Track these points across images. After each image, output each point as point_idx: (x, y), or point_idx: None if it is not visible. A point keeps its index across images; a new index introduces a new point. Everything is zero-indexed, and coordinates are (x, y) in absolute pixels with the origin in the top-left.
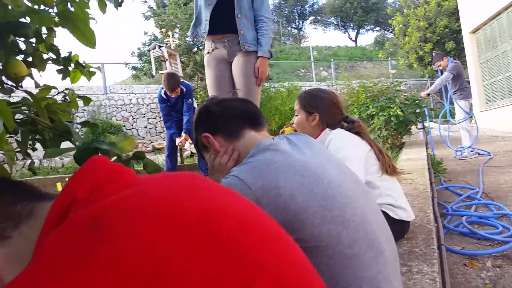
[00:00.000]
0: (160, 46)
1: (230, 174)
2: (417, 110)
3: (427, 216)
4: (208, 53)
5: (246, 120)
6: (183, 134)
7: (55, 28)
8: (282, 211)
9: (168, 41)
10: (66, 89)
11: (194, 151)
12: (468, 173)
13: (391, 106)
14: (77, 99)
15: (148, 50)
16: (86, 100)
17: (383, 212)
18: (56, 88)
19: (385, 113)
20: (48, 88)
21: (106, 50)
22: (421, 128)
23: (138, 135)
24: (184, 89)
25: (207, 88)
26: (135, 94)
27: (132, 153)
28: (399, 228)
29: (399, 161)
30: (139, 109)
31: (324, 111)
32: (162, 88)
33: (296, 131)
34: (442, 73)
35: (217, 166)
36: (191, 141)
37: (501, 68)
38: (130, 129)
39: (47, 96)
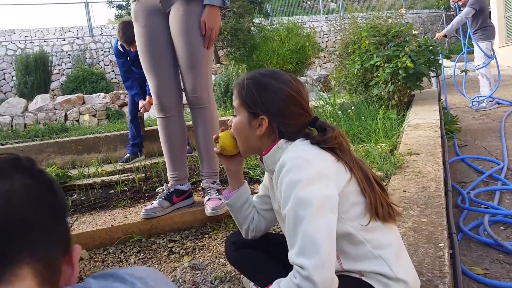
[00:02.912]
0: None
1: None
2: (431, 58)
3: (439, 256)
4: (134, 0)
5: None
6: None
7: None
8: None
9: None
10: None
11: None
12: (488, 133)
13: (399, 55)
14: None
15: None
16: None
17: (368, 285)
18: None
19: (391, 64)
20: None
21: None
22: (434, 77)
23: None
24: None
25: None
26: None
27: None
28: None
29: (406, 131)
30: None
31: (278, 112)
32: (117, 40)
33: (235, 139)
34: (459, 11)
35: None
36: None
37: None
38: (118, 75)
39: None
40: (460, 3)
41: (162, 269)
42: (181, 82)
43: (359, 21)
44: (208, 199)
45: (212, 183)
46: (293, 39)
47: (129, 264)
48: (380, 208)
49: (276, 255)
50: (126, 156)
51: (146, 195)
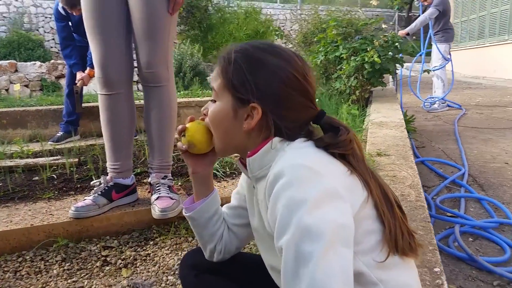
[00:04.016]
0: None
1: None
2: (395, 55)
3: (437, 286)
4: None
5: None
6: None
7: None
8: None
9: None
10: None
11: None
12: (443, 136)
13: (367, 48)
14: None
15: None
16: None
17: None
18: None
19: (358, 57)
20: None
21: None
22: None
23: None
24: None
25: None
26: None
27: None
28: None
29: (371, 129)
30: None
31: (277, 99)
32: (58, 2)
33: (209, 130)
34: (424, 11)
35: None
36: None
37: (476, 5)
38: (59, 44)
39: None
40: (426, 3)
41: (92, 287)
42: (135, 54)
43: (319, 13)
44: (157, 198)
45: (162, 179)
46: (251, 23)
47: (50, 276)
48: (400, 238)
49: (249, 282)
50: (58, 134)
51: (78, 186)
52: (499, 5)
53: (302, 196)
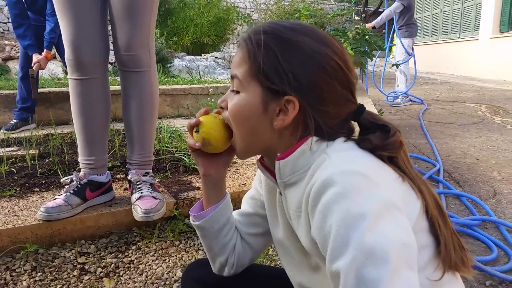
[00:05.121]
0: None
1: None
2: (366, 49)
3: None
4: None
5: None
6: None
7: None
8: None
9: None
10: None
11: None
12: (411, 130)
13: (340, 40)
14: None
15: None
16: None
17: None
18: None
19: None
20: None
21: None
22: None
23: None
24: None
25: None
26: None
27: None
28: None
29: None
30: None
31: (317, 91)
32: None
33: (228, 127)
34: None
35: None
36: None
37: (430, 3)
38: (3, 23)
39: None
40: None
41: None
42: (111, 34)
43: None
44: (139, 198)
45: (143, 175)
46: (213, 9)
47: None
48: (453, 252)
49: None
50: (12, 122)
51: (43, 181)
52: (451, 4)
53: (361, 210)
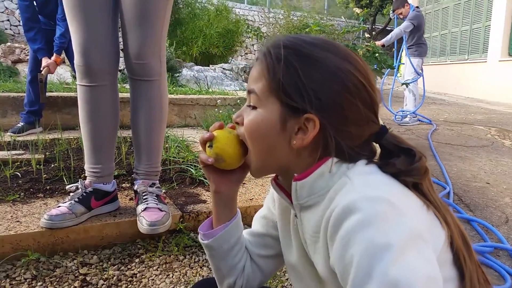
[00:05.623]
0: None
1: None
2: (375, 67)
3: None
4: None
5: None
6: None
7: None
8: None
9: None
10: None
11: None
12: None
13: None
14: None
15: None
16: None
17: None
18: None
19: None
20: None
21: None
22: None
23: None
24: None
25: None
26: None
27: None
28: None
29: None
30: None
31: (339, 110)
32: None
33: (243, 143)
34: (399, 25)
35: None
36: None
37: (438, 24)
38: (14, 26)
39: None
40: (401, 16)
41: None
42: (122, 42)
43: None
44: (145, 209)
45: (150, 186)
46: (222, 21)
47: None
48: (477, 286)
49: None
50: (19, 125)
51: (48, 187)
52: (459, 26)
53: (386, 240)
